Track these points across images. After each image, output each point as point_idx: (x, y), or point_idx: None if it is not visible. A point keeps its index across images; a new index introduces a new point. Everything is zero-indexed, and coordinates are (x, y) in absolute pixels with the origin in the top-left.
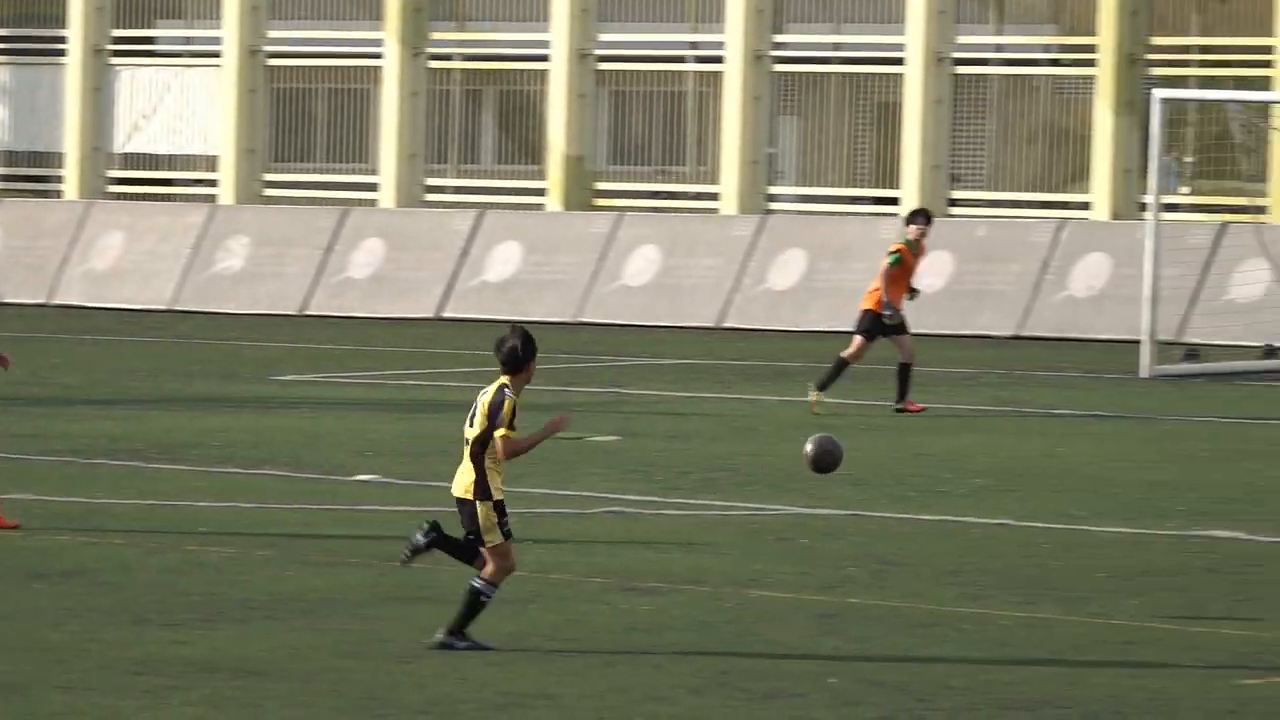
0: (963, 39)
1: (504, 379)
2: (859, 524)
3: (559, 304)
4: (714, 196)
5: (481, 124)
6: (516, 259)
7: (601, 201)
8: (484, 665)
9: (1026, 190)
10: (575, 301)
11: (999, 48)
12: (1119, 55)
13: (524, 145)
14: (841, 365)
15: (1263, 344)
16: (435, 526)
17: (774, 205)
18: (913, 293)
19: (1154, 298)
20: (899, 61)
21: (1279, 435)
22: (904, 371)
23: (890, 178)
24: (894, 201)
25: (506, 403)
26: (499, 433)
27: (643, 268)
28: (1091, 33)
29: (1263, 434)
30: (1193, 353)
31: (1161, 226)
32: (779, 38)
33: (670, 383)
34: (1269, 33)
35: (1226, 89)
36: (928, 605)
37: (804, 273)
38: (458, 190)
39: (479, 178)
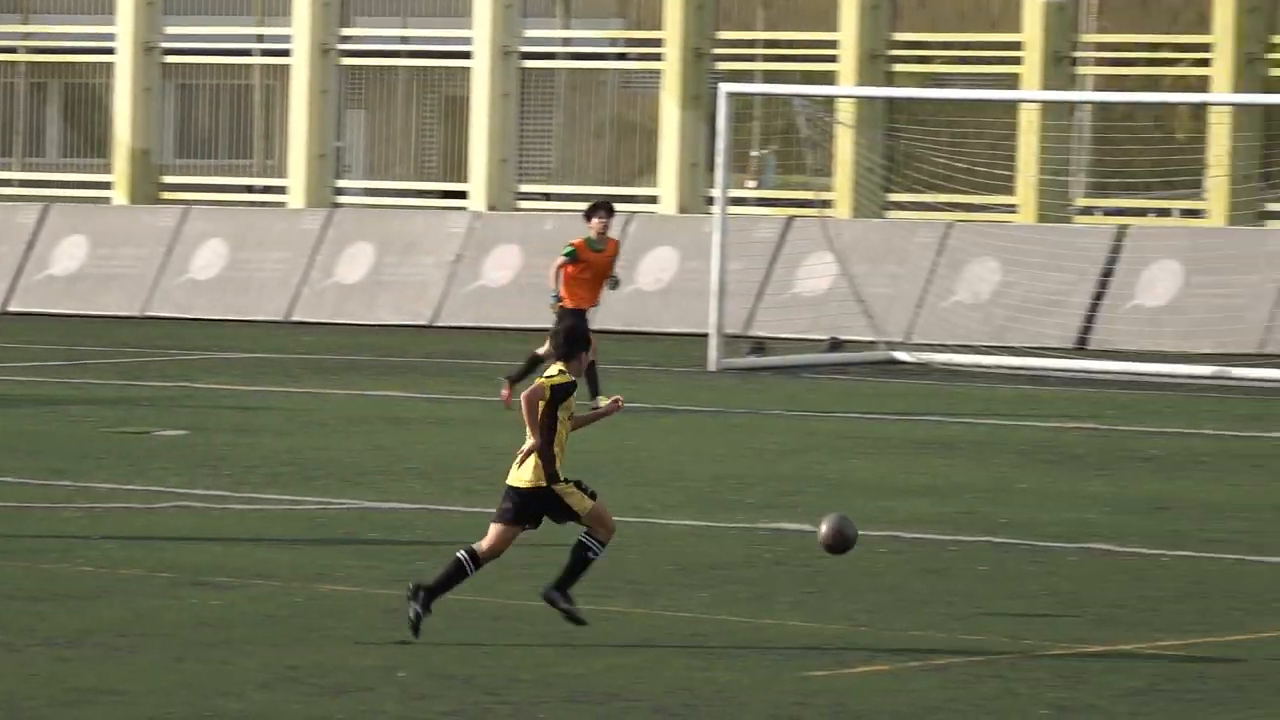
0: (530, 33)
1: (559, 364)
2: (428, 518)
3: (126, 298)
4: (281, 190)
5: (46, 117)
6: (82, 253)
7: (168, 195)
8: (52, 661)
9: (594, 184)
10: (142, 296)
11: (566, 41)
12: (685, 49)
13: (90, 138)
14: (535, 361)
15: (828, 337)
16: (416, 588)
17: (341, 199)
18: (614, 281)
19: (721, 291)
20: (466, 55)
21: (844, 428)
22: (590, 368)
23: (458, 171)
24: (462, 195)
25: (558, 376)
26: (542, 380)
27: (210, 261)
28: (658, 27)
29: (828, 426)
30: (758, 346)
31: (728, 220)
32: (346, 31)
33: (238, 377)
34: (833, 27)
35: (792, 83)
36: (497, 599)
37: (372, 266)
38: (23, 184)
39: (44, 171)
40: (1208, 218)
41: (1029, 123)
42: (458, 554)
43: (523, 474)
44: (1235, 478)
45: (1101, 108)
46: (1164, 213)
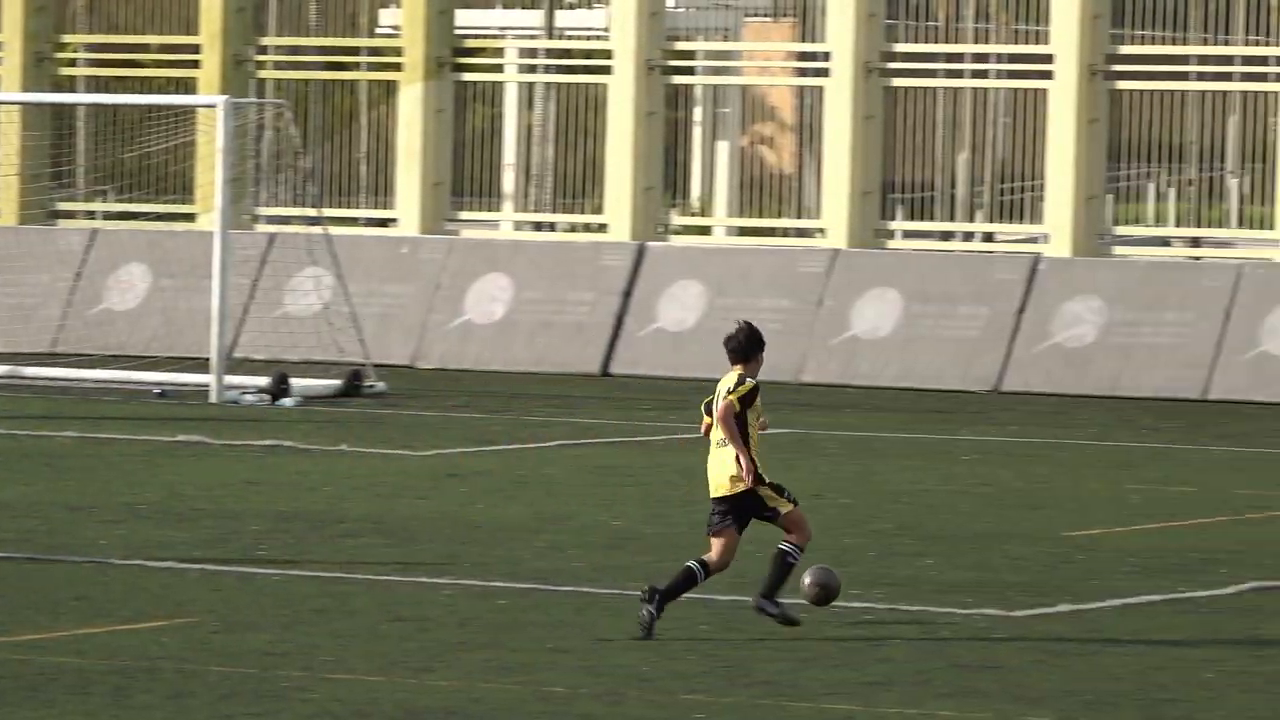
0: None
1: (738, 368)
2: None
3: None
4: None
5: None
6: None
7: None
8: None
9: None
10: None
11: None
12: (25, 54)
13: None
14: None
15: None
16: (651, 592)
17: None
18: None
19: (222, 315)
20: None
21: None
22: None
23: None
24: None
25: (748, 382)
26: (730, 396)
27: None
28: None
29: None
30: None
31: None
32: None
33: None
34: None
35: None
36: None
37: None
38: None
39: None
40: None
41: None
42: (689, 564)
43: (721, 483)
44: (28, 477)
45: None
46: None
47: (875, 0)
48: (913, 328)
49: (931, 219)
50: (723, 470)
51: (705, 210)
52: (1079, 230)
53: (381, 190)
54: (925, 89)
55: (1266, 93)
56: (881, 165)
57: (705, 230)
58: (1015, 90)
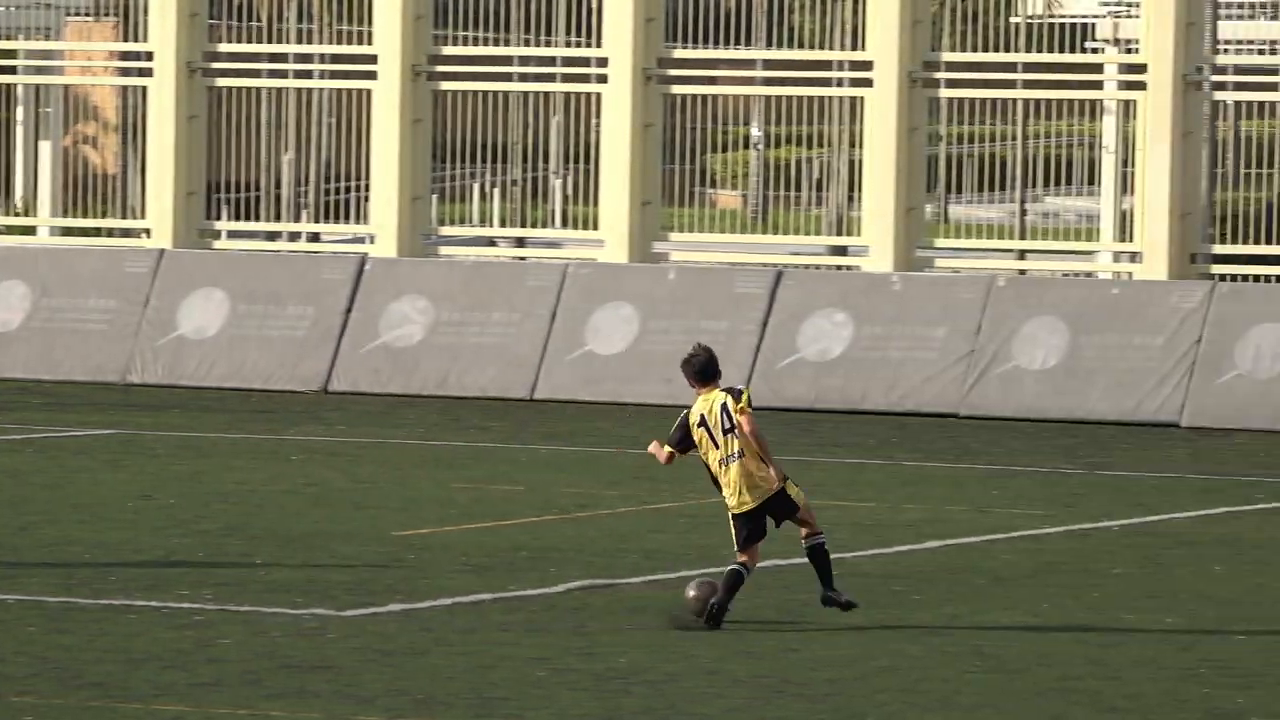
0: None
1: (712, 389)
2: None
3: None
4: None
5: None
6: None
7: None
8: None
9: None
10: None
11: None
12: None
13: None
14: None
15: None
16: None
17: None
18: None
19: None
20: None
21: None
22: None
23: None
24: None
25: (746, 393)
26: (742, 408)
27: None
28: None
29: None
30: None
31: None
32: None
33: None
34: None
35: None
36: None
37: None
38: None
39: None
40: None
41: None
42: (732, 567)
43: (744, 499)
44: None
45: None
46: None
47: (197, 0)
48: (239, 328)
49: (257, 219)
50: (750, 483)
51: (29, 210)
52: (404, 230)
53: None
54: (249, 89)
55: (588, 94)
56: (206, 165)
57: (30, 230)
58: (340, 90)
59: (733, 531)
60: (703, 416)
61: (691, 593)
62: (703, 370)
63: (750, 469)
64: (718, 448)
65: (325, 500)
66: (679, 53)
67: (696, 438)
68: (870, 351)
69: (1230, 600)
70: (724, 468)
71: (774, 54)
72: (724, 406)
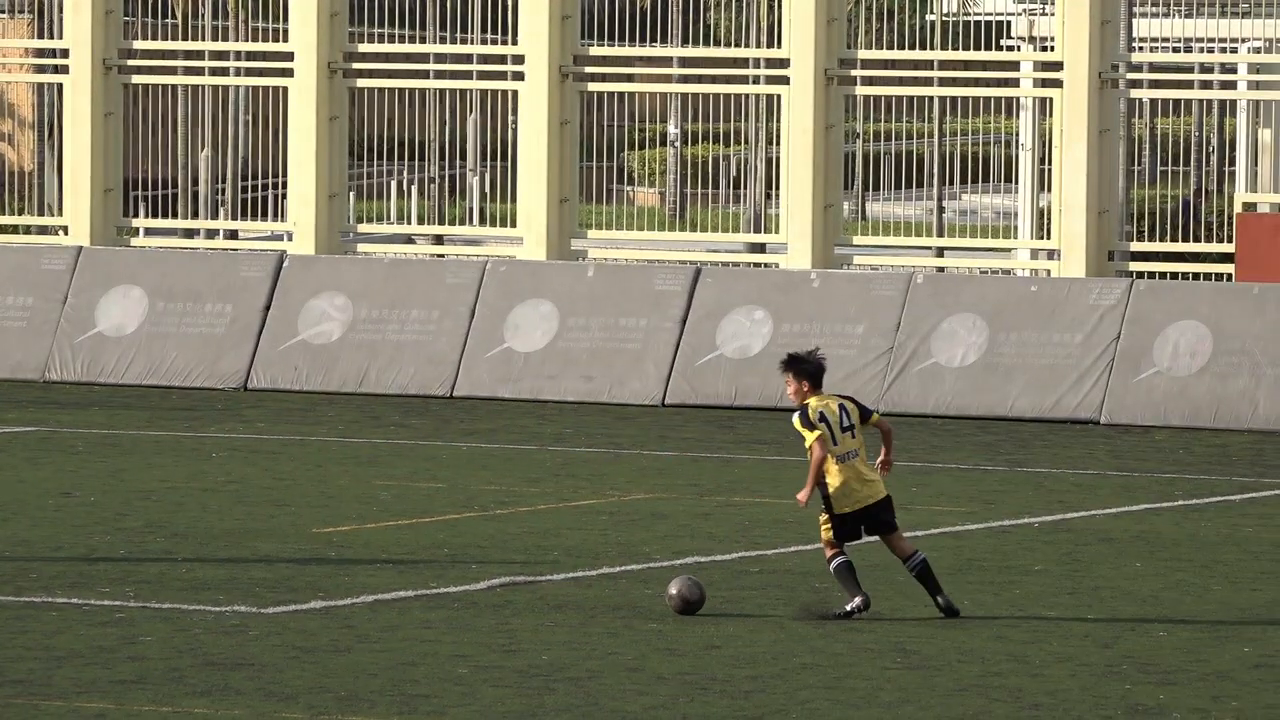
0: None
1: (828, 396)
2: None
3: None
4: None
5: None
6: None
7: None
8: None
9: None
10: None
11: None
12: None
13: None
14: None
15: None
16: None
17: None
18: None
19: None
20: None
21: None
22: None
23: None
24: None
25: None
26: (876, 415)
27: None
28: None
29: None
30: None
31: None
32: None
33: None
34: None
35: None
36: None
37: None
38: None
39: None
40: None
41: None
42: (841, 560)
43: (845, 503)
44: None
45: None
46: None
47: None
48: (158, 325)
49: (175, 216)
50: (859, 481)
51: None
52: (322, 228)
53: None
54: (165, 86)
55: (504, 91)
56: (123, 162)
57: None
58: (256, 88)
59: (826, 529)
60: (822, 413)
61: (673, 590)
62: (818, 373)
63: (861, 470)
64: (836, 444)
65: (246, 498)
66: (595, 50)
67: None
68: (789, 348)
69: (1150, 596)
70: (839, 464)
71: (690, 52)
72: (842, 406)
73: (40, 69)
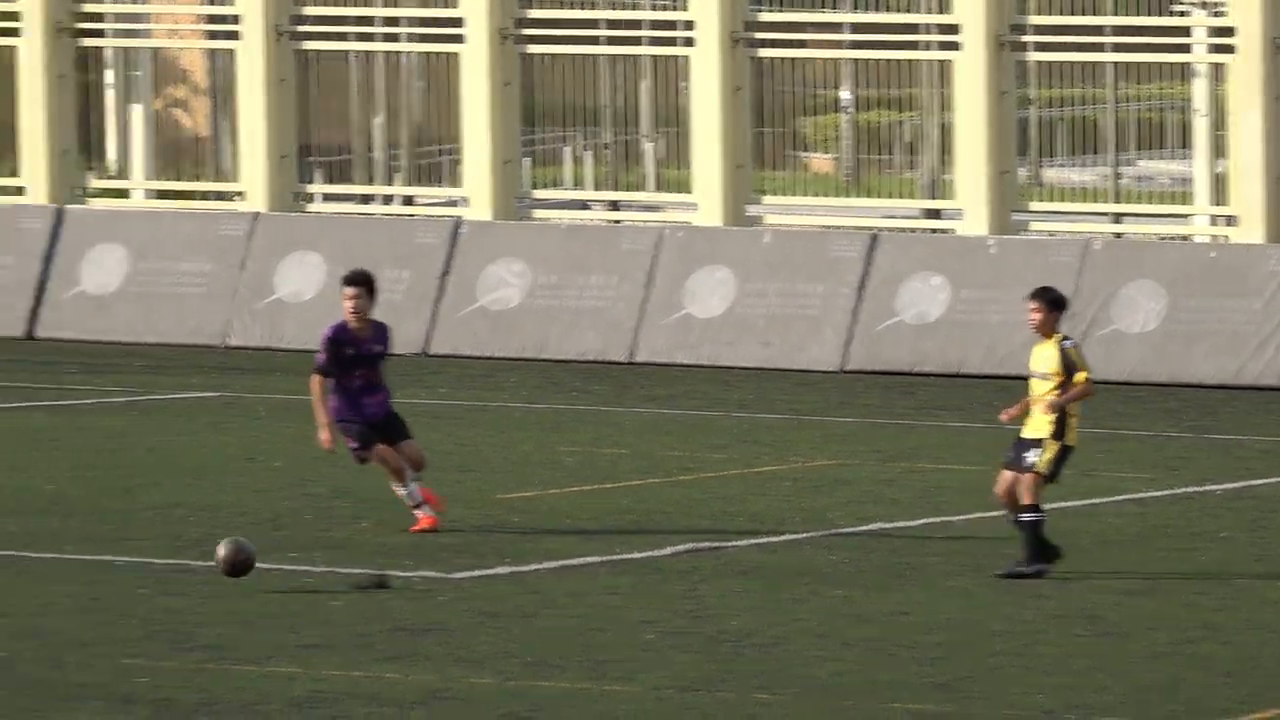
0: None
1: (1059, 335)
2: None
3: None
4: None
5: None
6: None
7: None
8: None
9: None
10: None
11: None
12: None
13: None
14: None
15: None
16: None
17: None
18: None
19: None
20: None
21: None
22: None
23: None
24: None
25: (1077, 350)
26: (1082, 375)
27: None
28: None
29: None
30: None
31: None
32: None
33: None
34: None
35: None
36: None
37: None
38: None
39: None
40: None
41: None
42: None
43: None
44: None
45: None
46: None
47: None
48: (337, 291)
49: (350, 182)
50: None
51: (123, 173)
52: (497, 194)
53: None
54: (337, 52)
55: (675, 57)
56: (297, 128)
57: (124, 193)
58: (428, 54)
59: (1046, 462)
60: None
61: (221, 552)
62: (1065, 309)
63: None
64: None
65: (430, 463)
66: (765, 15)
67: None
68: (968, 315)
69: None
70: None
71: (861, 17)
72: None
73: (212, 35)
